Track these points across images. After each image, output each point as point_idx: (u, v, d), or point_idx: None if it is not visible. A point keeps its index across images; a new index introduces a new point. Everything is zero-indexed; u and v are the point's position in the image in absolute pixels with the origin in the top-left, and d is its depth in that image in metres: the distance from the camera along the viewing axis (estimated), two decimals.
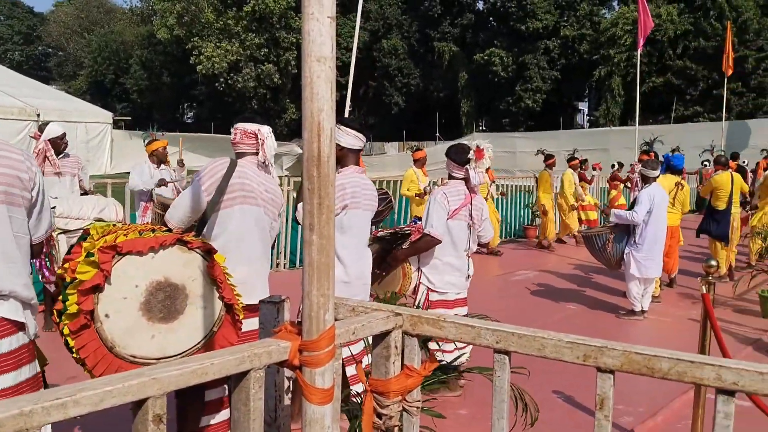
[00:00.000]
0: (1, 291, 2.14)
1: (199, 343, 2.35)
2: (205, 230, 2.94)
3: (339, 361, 1.42)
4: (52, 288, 4.73)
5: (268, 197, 3.08)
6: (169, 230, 2.69)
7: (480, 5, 41.02)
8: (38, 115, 18.42)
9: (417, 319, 1.59)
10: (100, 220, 3.98)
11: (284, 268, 8.90)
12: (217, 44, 36.69)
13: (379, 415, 1.60)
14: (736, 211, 8.42)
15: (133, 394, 1.10)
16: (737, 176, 8.37)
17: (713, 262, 3.83)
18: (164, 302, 2.31)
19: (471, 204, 4.24)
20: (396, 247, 4.21)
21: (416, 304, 4.23)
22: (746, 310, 6.93)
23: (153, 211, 3.14)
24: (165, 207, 3.17)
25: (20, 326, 2.18)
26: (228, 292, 2.41)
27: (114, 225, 2.63)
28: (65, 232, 3.91)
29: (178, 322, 2.32)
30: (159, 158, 7.21)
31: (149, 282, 2.29)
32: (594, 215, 12.22)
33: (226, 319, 2.42)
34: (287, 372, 1.94)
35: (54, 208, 2.81)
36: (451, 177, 4.33)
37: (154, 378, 1.12)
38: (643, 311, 6.63)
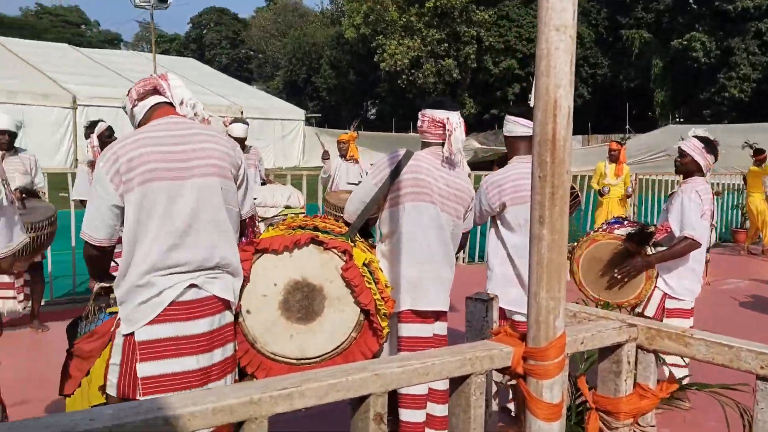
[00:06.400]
0: (216, 261, 2.17)
1: (338, 347, 2.33)
2: (380, 227, 2.84)
3: (567, 372, 1.25)
4: None
5: (449, 193, 2.80)
6: (348, 225, 2.70)
7: None
8: (241, 112, 20.31)
9: (655, 333, 1.37)
10: (288, 207, 4.23)
11: (463, 262, 8.78)
12: (400, 41, 37.59)
13: None
14: None
15: (356, 389, 1.03)
16: None
17: None
18: (302, 302, 2.32)
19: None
20: (640, 248, 3.68)
21: (642, 311, 3.83)
22: None
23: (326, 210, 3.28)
24: (331, 205, 3.14)
25: (227, 305, 2.23)
26: (365, 296, 2.33)
27: (300, 216, 2.74)
28: (263, 219, 4.16)
29: (317, 323, 2.31)
30: (339, 151, 7.83)
31: (287, 281, 2.31)
32: None
33: (365, 324, 2.36)
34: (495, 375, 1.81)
35: (255, 198, 3.00)
36: (691, 174, 3.84)
37: (377, 374, 1.05)
38: None
